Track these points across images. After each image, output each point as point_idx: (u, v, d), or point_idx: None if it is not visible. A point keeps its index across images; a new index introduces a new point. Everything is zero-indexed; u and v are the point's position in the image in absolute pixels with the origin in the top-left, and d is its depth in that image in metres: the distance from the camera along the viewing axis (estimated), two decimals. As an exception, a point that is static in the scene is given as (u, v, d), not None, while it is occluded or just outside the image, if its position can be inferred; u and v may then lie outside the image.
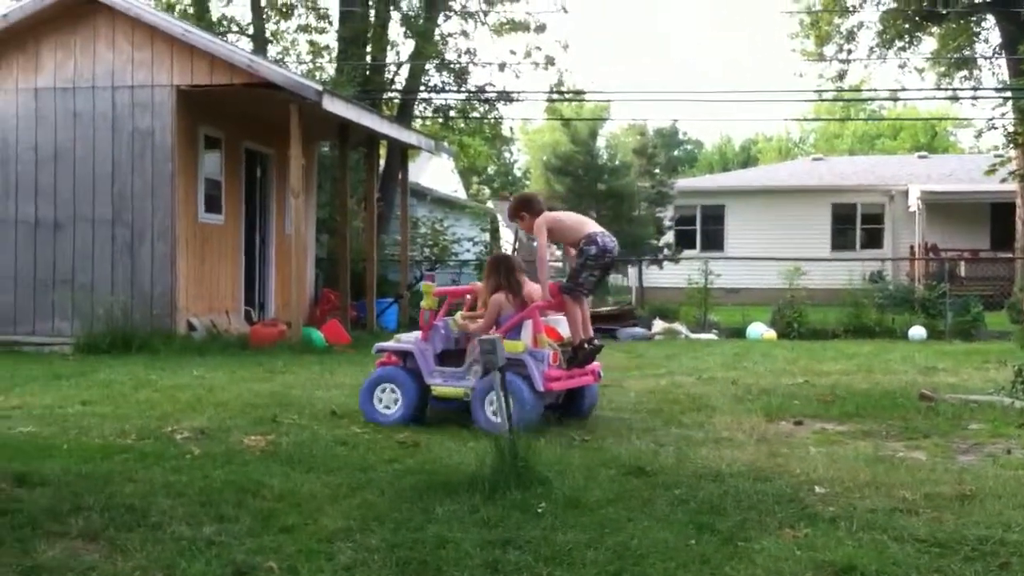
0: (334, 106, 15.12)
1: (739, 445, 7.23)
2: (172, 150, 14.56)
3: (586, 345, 8.10)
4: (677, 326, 19.50)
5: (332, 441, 7.18)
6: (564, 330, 8.22)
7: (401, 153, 20.87)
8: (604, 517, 5.15)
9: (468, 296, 8.90)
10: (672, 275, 26.64)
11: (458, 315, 8.47)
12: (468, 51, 27.03)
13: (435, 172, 37.13)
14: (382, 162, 23.37)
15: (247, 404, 8.94)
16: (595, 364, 8.27)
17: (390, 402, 8.09)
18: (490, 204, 45.39)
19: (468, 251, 27.03)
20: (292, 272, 15.20)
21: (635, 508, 5.35)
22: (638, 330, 18.96)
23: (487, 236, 32.01)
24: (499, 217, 41.87)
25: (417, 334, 8.32)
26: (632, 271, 28.81)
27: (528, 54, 27.50)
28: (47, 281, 14.82)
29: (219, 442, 7.11)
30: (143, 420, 8.01)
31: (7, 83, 15.01)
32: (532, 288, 8.21)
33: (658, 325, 19.52)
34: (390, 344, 8.52)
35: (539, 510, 5.20)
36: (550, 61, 27.44)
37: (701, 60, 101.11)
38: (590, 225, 8.46)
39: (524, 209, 8.48)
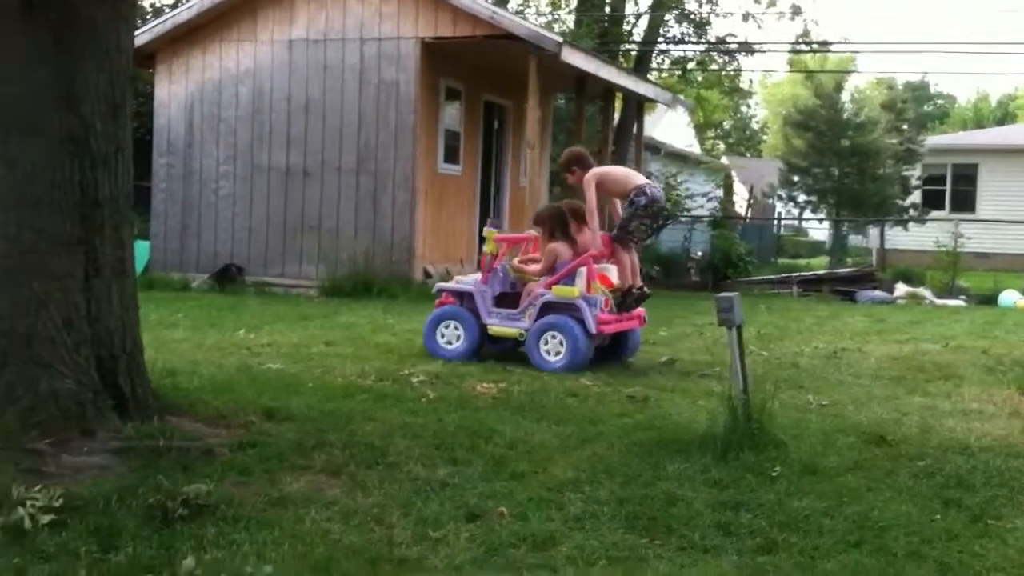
0: (573, 58, 15.09)
1: (989, 418, 6.80)
2: (415, 102, 14.92)
3: (634, 291, 8.73)
4: (922, 291, 18.56)
5: (562, 392, 7.22)
6: (614, 277, 8.80)
7: (637, 106, 20.67)
8: (842, 485, 4.95)
9: (526, 243, 9.34)
10: (917, 237, 25.37)
11: (514, 260, 9.02)
12: (710, 1, 26.36)
13: (669, 126, 36.67)
14: (616, 115, 23.23)
15: (480, 353, 9.11)
16: (640, 310, 8.92)
17: (452, 337, 8.65)
18: (724, 160, 44.56)
19: (701, 207, 26.62)
20: (524, 224, 15.34)
21: (876, 478, 5.12)
22: (878, 293, 18.16)
23: (720, 192, 31.44)
24: (733, 173, 41.08)
25: (477, 276, 8.95)
26: (874, 232, 27.66)
27: (772, 3, 26.56)
28: (296, 226, 15.54)
29: (453, 387, 7.27)
30: (382, 362, 8.30)
31: (263, 35, 15.73)
32: (585, 238, 8.71)
33: (900, 289, 18.63)
34: (450, 285, 9.10)
35: (773, 474, 5.05)
36: (796, 11, 26.38)
37: (955, 8, 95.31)
38: (638, 177, 9.19)
39: (576, 164, 9.00)
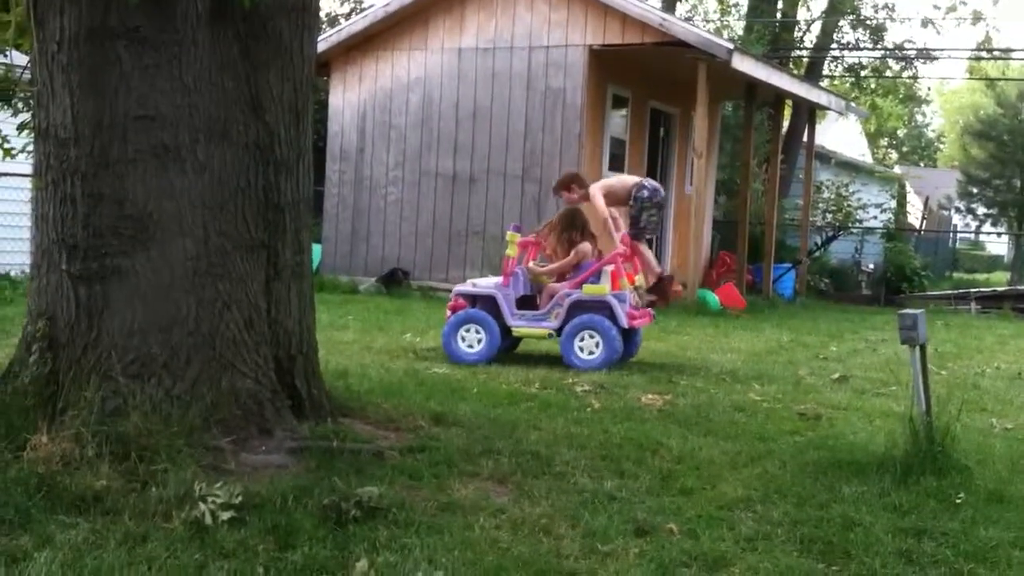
0: (743, 64, 14.83)
1: None
2: (581, 109, 14.91)
3: (663, 277, 9.73)
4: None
5: (730, 406, 7.07)
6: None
7: (808, 114, 20.16)
8: (1033, 515, 4.68)
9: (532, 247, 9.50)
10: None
11: (530, 264, 9.24)
12: (886, 6, 25.55)
13: (840, 134, 35.66)
14: (785, 123, 22.73)
15: (642, 362, 9.01)
16: (650, 309, 9.43)
17: (473, 341, 8.74)
18: (898, 169, 43.08)
19: (875, 218, 25.77)
20: (690, 233, 15.15)
21: (1069, 509, 4.82)
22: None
23: (894, 203, 30.41)
24: (907, 184, 39.68)
25: (495, 279, 9.18)
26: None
27: (952, 9, 25.59)
28: (461, 232, 15.73)
29: (618, 397, 7.20)
30: (546, 370, 8.29)
31: (434, 43, 15.98)
32: (586, 246, 9.06)
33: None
34: (467, 288, 9.23)
35: (958, 500, 4.81)
36: (977, 16, 25.41)
37: None
38: (631, 178, 10.02)
39: (573, 183, 9.59)
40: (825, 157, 28.76)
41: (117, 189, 4.78)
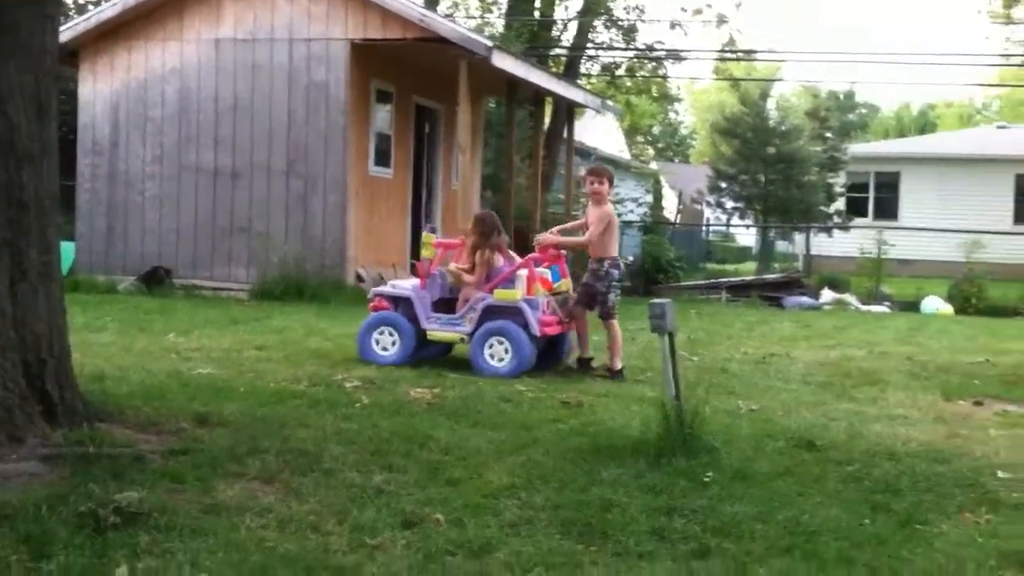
0: (503, 62, 15.12)
1: (915, 423, 6.96)
2: (345, 103, 14.83)
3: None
4: (847, 297, 18.92)
5: (496, 398, 7.22)
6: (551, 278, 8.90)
7: (567, 111, 20.77)
8: (773, 490, 5.03)
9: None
10: (842, 244, 25.85)
11: (452, 265, 8.99)
12: (637, 8, 26.59)
13: (599, 131, 36.88)
14: (547, 120, 23.31)
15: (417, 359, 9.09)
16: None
17: (388, 344, 8.59)
18: (654, 165, 44.96)
19: (631, 212, 26.82)
20: (457, 227, 15.32)
21: (805, 483, 5.21)
22: (804, 299, 18.47)
23: (650, 198, 31.70)
24: (663, 179, 41.46)
25: (414, 281, 8.93)
26: (800, 238, 28.11)
27: (699, 11, 26.88)
28: (225, 228, 15.35)
29: (387, 392, 7.24)
30: (315, 367, 8.24)
31: (189, 34, 15.51)
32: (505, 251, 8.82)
33: (827, 295, 18.97)
34: (386, 289, 9.03)
35: (706, 479, 5.11)
36: (721, 19, 26.75)
37: (880, 20, 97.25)
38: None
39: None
40: (586, 153, 29.70)
41: None
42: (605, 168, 9.47)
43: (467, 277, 8.75)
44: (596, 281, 8.75)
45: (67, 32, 15.51)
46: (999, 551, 4.28)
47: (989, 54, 35.66)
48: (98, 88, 15.93)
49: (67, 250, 15.56)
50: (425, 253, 8.83)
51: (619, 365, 8.63)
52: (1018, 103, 64.57)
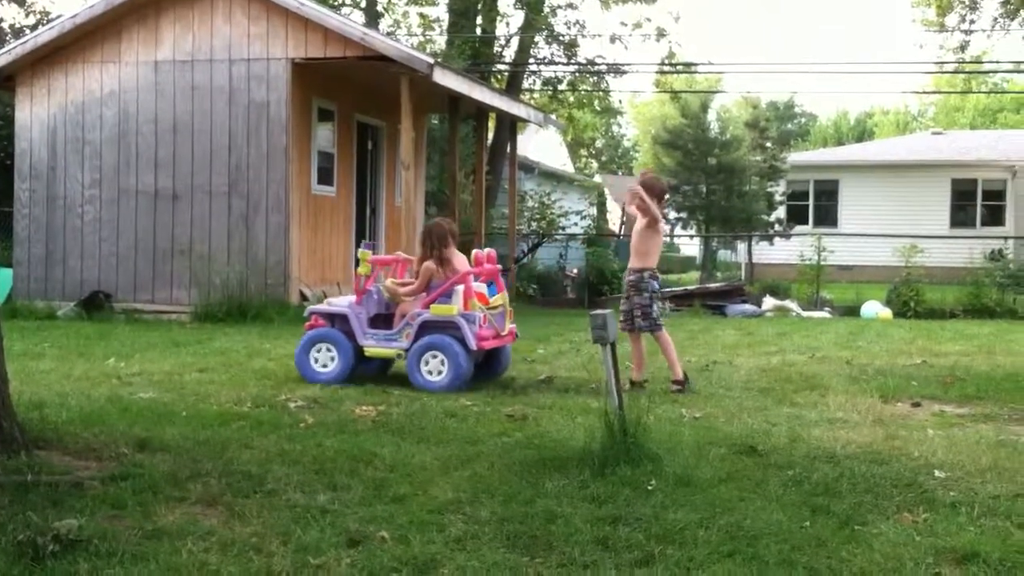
0: (445, 79, 15.16)
1: (854, 426, 7.06)
2: (287, 122, 14.79)
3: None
4: (788, 303, 19.16)
5: (442, 413, 7.23)
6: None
7: (510, 126, 20.87)
8: (716, 496, 5.08)
9: (396, 264, 9.39)
10: (783, 251, 26.20)
11: (387, 281, 8.97)
12: (577, 23, 26.82)
13: (543, 145, 37.06)
14: (491, 135, 23.40)
15: (357, 374, 9.05)
16: (512, 326, 9.08)
17: (327, 360, 8.61)
18: (598, 178, 45.21)
19: (576, 224, 26.94)
20: (401, 243, 15.33)
21: (747, 488, 5.27)
22: (747, 307, 18.68)
23: (594, 210, 31.85)
24: (607, 191, 41.71)
25: (350, 298, 8.92)
26: (742, 247, 28.43)
27: (638, 25, 27.18)
28: (166, 250, 15.22)
29: (331, 411, 7.22)
30: (258, 388, 8.19)
31: (128, 56, 15.39)
32: (460, 257, 8.82)
33: (768, 302, 19.19)
34: (322, 307, 9.06)
35: (649, 487, 5.15)
36: (661, 33, 27.08)
37: (817, 31, 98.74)
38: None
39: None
40: (529, 167, 29.83)
41: None
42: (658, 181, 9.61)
43: (402, 290, 8.79)
44: (637, 294, 8.89)
45: (3, 56, 15.41)
46: (936, 549, 4.36)
47: (924, 62, 36.30)
48: (35, 112, 15.75)
49: (5, 276, 15.38)
50: (360, 270, 8.83)
51: (680, 374, 8.71)
52: (952, 109, 65.94)
